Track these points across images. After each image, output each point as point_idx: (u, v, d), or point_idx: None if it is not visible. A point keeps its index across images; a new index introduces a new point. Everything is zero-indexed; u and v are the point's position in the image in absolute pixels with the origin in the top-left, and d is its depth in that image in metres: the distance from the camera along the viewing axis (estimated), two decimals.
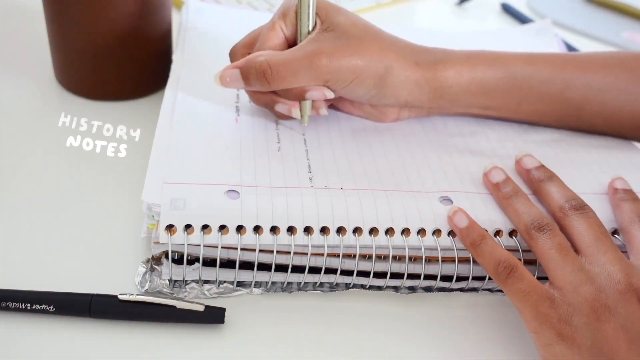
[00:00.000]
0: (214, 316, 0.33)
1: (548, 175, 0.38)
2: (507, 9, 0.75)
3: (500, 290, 0.37)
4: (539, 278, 0.36)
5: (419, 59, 0.41)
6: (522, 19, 0.72)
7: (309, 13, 0.39)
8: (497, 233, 0.36)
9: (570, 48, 0.64)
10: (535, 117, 0.45)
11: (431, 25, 0.72)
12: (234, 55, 0.43)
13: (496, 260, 0.33)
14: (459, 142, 0.43)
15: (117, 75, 0.49)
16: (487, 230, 0.36)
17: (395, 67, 0.40)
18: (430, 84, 0.41)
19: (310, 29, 0.40)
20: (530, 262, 0.36)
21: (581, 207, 0.35)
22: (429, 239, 0.36)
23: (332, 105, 0.44)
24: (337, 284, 0.36)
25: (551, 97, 0.43)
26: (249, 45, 0.42)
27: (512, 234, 0.37)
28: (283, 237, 0.34)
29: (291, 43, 0.41)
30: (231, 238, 0.34)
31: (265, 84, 0.38)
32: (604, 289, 0.31)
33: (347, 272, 0.35)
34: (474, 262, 0.36)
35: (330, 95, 0.39)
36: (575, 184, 0.38)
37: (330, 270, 0.35)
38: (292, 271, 0.35)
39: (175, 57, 0.48)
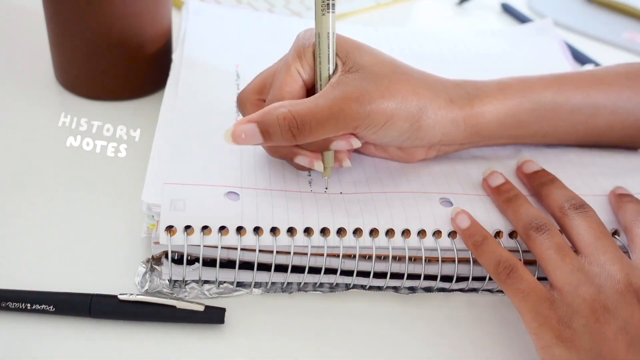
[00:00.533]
0: (214, 316, 0.33)
1: (549, 178, 0.38)
2: (507, 9, 0.75)
3: (501, 291, 0.37)
4: (539, 278, 0.37)
5: (452, 95, 0.38)
6: (522, 19, 0.72)
7: (328, 54, 0.35)
8: (498, 234, 0.36)
9: (570, 48, 0.64)
10: (556, 142, 0.44)
11: (431, 25, 0.72)
12: (243, 104, 0.39)
13: (496, 260, 0.33)
14: None
15: (117, 75, 0.49)
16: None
17: (430, 107, 0.36)
18: (467, 122, 0.38)
19: (331, 72, 0.36)
20: (530, 263, 0.36)
21: (581, 206, 0.35)
22: (429, 240, 0.36)
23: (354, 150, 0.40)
24: (337, 285, 0.36)
25: (577, 125, 0.42)
26: (258, 90, 0.38)
27: (512, 235, 0.37)
28: (283, 238, 0.34)
29: (309, 87, 0.37)
30: (231, 239, 0.34)
31: (291, 139, 0.34)
32: (603, 289, 0.31)
33: (347, 273, 0.35)
34: (474, 262, 0.36)
35: (357, 144, 0.36)
36: (574, 186, 0.38)
37: (330, 271, 0.35)
38: (292, 271, 0.35)
39: (175, 56, 0.48)
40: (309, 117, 0.34)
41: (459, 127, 0.38)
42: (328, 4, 0.35)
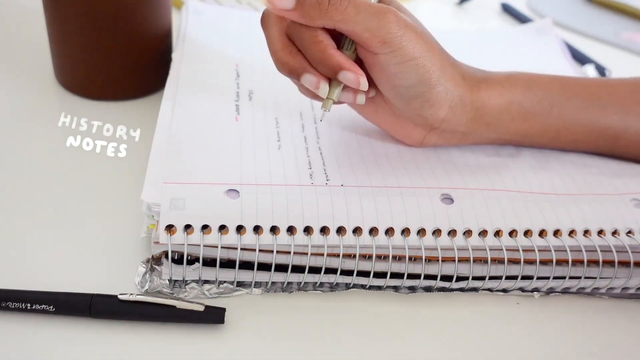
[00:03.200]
0: (214, 316, 0.33)
1: None
2: (507, 9, 0.75)
3: (500, 291, 0.37)
4: (539, 278, 0.37)
5: (465, 73, 0.38)
6: (522, 19, 0.72)
7: None
8: (497, 233, 0.36)
9: (570, 48, 0.64)
10: (571, 146, 0.43)
11: (431, 25, 0.72)
12: None
13: None
14: None
15: (117, 75, 0.49)
16: (486, 230, 0.36)
17: (448, 73, 0.36)
18: (474, 102, 0.38)
19: None
20: (530, 262, 0.36)
21: None
22: (429, 239, 0.36)
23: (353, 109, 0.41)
24: (337, 284, 0.36)
25: (588, 125, 0.41)
26: None
27: (512, 234, 0.37)
28: (283, 237, 0.34)
29: None
30: (231, 238, 0.34)
31: (322, 7, 0.33)
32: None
33: (347, 272, 0.35)
34: (474, 262, 0.36)
35: (365, 85, 0.35)
36: (575, 184, 0.38)
37: (330, 270, 0.35)
38: (292, 271, 0.35)
39: (175, 56, 0.48)
40: None
41: (465, 106, 0.38)
42: None
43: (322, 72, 0.35)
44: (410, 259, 0.36)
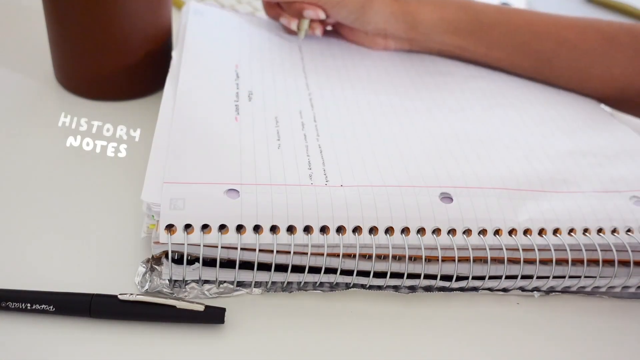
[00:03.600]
0: (214, 316, 0.33)
1: None
2: None
3: (500, 290, 0.37)
4: (539, 277, 0.37)
5: None
6: None
7: None
8: (497, 232, 0.36)
9: None
10: (506, 64, 0.51)
11: None
12: None
13: None
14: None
15: (117, 75, 0.49)
16: (486, 229, 0.36)
17: (376, 0, 0.49)
18: (405, 17, 0.50)
19: None
20: (530, 262, 0.36)
21: None
22: (429, 238, 0.36)
23: (336, 31, 0.56)
24: (337, 284, 0.36)
25: (521, 46, 0.49)
26: None
27: (511, 232, 0.37)
28: (283, 237, 0.34)
29: None
30: (231, 238, 0.34)
31: None
32: None
33: (347, 272, 0.35)
34: (474, 261, 0.36)
35: (322, 15, 0.50)
36: (575, 181, 0.38)
37: (330, 270, 0.35)
38: (292, 271, 0.35)
39: (174, 56, 0.48)
40: None
41: (398, 20, 0.51)
42: None
43: (293, 14, 0.52)
44: (410, 258, 0.36)
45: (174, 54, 0.49)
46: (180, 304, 0.33)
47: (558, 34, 0.48)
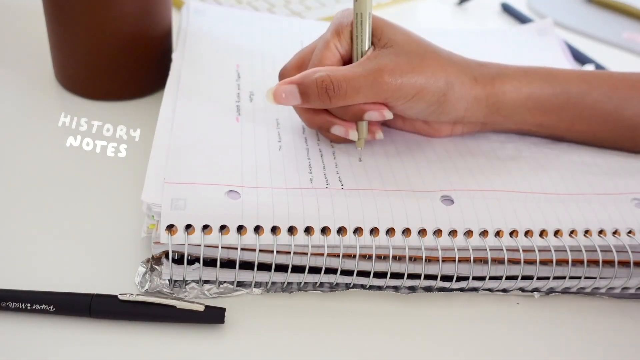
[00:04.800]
0: (214, 316, 0.33)
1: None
2: (507, 9, 0.75)
3: (500, 291, 0.37)
4: (539, 278, 0.37)
5: (476, 74, 0.40)
6: (522, 19, 0.72)
7: (367, 31, 0.39)
8: (498, 233, 0.36)
9: (570, 48, 0.64)
10: (589, 137, 0.44)
11: (431, 25, 0.72)
12: (284, 76, 0.42)
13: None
14: (459, 143, 0.43)
15: (118, 75, 0.49)
16: (487, 230, 0.36)
17: (456, 83, 0.39)
18: (489, 100, 0.41)
19: (367, 48, 0.39)
20: (530, 262, 0.36)
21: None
22: (430, 239, 0.36)
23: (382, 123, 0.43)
24: (337, 284, 0.36)
25: (605, 116, 0.43)
26: (298, 66, 0.41)
27: (512, 234, 0.37)
28: (283, 237, 0.34)
29: (346, 61, 0.40)
30: (232, 238, 0.34)
31: (326, 100, 0.37)
32: None
33: (347, 272, 0.35)
34: (474, 262, 0.36)
35: (389, 116, 0.39)
36: (576, 184, 0.38)
37: (331, 270, 0.35)
38: (292, 271, 0.35)
39: (175, 56, 0.48)
40: (345, 82, 0.37)
41: (480, 105, 0.41)
42: None
43: (350, 119, 0.40)
44: (410, 259, 0.36)
45: (175, 54, 0.49)
46: (180, 304, 0.33)
47: None
